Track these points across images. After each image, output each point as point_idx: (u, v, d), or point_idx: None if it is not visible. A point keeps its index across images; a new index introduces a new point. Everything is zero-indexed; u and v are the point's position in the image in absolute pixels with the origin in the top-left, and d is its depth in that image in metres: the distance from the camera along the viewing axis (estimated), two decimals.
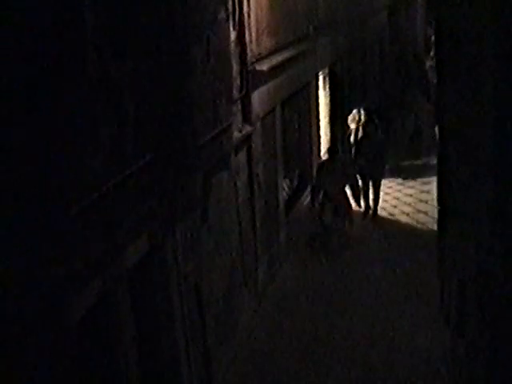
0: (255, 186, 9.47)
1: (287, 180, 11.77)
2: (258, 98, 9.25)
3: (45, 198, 4.43)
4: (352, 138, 13.21)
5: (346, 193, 11.69)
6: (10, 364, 4.12)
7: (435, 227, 10.17)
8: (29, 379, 4.32)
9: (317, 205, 11.67)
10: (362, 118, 13.27)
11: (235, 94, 8.51)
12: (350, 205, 11.83)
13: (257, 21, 9.23)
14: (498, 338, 4.94)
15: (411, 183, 14.60)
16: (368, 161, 12.79)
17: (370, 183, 13.02)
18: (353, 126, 13.38)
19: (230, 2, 8.26)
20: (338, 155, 12.07)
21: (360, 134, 13.09)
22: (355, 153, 13.04)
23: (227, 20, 8.14)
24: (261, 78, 9.25)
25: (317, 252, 11.64)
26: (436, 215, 9.99)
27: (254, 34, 9.09)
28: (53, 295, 4.50)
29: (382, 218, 12.99)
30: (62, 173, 4.60)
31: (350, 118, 13.63)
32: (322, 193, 11.47)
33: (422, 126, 16.50)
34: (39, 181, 4.39)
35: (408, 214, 13.05)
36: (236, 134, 8.51)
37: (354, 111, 13.50)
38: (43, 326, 4.45)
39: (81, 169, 4.84)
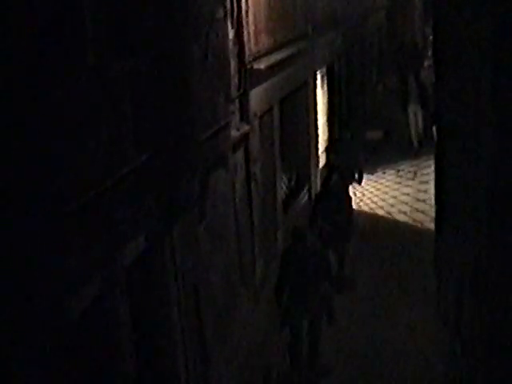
0: (253, 185, 9.47)
1: (285, 179, 11.76)
2: (255, 96, 9.24)
3: (42, 196, 4.42)
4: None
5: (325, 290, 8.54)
6: (8, 364, 4.12)
7: (433, 226, 10.21)
8: (27, 379, 4.31)
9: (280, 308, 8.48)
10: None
11: (233, 92, 8.51)
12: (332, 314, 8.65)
13: (255, 19, 9.23)
14: (495, 337, 4.95)
15: (409, 182, 14.64)
16: (330, 224, 10.24)
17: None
18: None
19: (228, 1, 8.26)
20: (307, 237, 8.68)
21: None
22: (312, 216, 10.55)
23: (225, 18, 8.13)
24: (259, 77, 9.24)
25: None
26: (433, 214, 10.02)
27: (252, 33, 9.08)
28: (50, 294, 4.49)
29: (381, 217, 13.03)
30: (60, 171, 4.59)
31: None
32: (288, 290, 8.35)
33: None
34: (37, 179, 4.38)
35: (406, 213, 13.07)
36: (234, 133, 8.51)
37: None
38: (41, 326, 4.44)
39: (78, 167, 4.84)
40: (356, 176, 13.09)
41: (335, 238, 10.29)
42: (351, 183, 12.41)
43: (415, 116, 15.98)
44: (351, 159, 12.59)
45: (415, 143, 16.10)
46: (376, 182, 14.78)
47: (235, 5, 8.47)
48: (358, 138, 14.59)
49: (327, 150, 13.45)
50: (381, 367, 8.48)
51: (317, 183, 12.90)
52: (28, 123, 4.26)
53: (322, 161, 13.75)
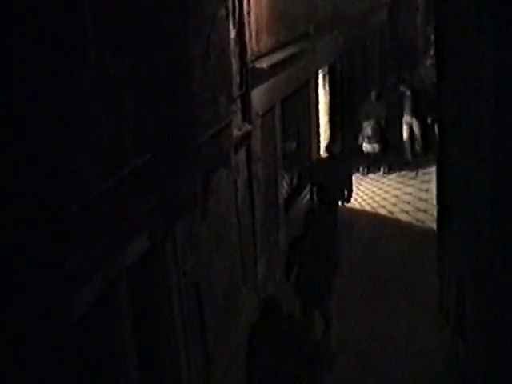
0: (254, 184, 9.46)
1: (286, 178, 11.75)
2: (257, 96, 9.24)
3: (45, 196, 4.42)
4: None
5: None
6: (9, 364, 4.12)
7: (434, 225, 10.19)
8: (28, 379, 4.31)
9: None
10: None
11: (235, 91, 8.50)
12: None
13: (257, 19, 9.22)
14: (496, 337, 4.94)
15: (411, 181, 14.62)
16: (308, 278, 8.27)
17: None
18: None
19: (230, 0, 8.25)
20: (282, 307, 7.01)
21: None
22: (286, 266, 8.54)
23: (227, 18, 8.13)
24: (260, 76, 9.24)
25: None
26: (435, 213, 10.01)
27: (253, 32, 9.08)
28: (52, 294, 4.49)
29: (383, 216, 13.00)
30: (61, 170, 4.59)
31: None
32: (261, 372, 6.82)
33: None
34: (38, 178, 4.38)
35: (407, 212, 13.05)
36: (236, 132, 8.51)
37: None
38: (42, 325, 4.44)
39: (80, 167, 4.84)
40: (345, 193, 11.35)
41: (316, 291, 8.37)
42: (337, 203, 11.28)
43: (410, 128, 15.24)
44: (339, 176, 11.18)
45: (409, 157, 15.40)
46: (378, 181, 14.77)
47: (237, 4, 8.47)
48: (350, 150, 14.31)
49: (311, 168, 11.78)
50: (381, 366, 8.47)
51: None
52: (29, 123, 4.26)
53: None
